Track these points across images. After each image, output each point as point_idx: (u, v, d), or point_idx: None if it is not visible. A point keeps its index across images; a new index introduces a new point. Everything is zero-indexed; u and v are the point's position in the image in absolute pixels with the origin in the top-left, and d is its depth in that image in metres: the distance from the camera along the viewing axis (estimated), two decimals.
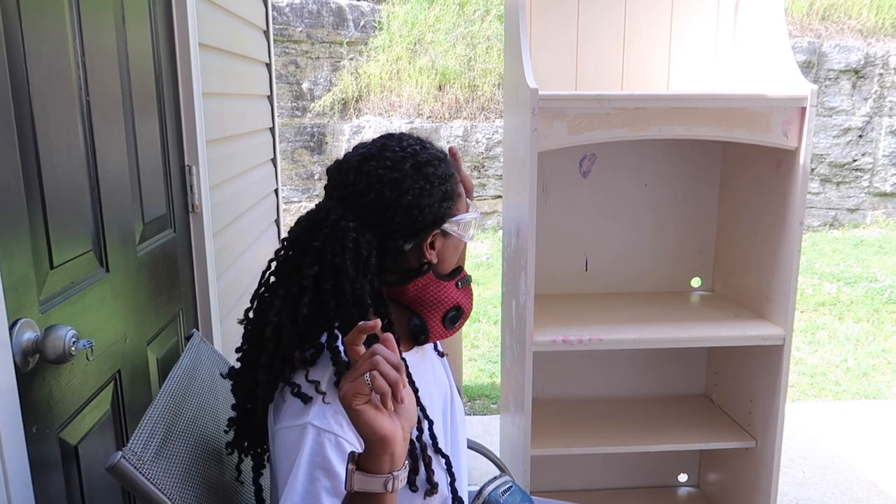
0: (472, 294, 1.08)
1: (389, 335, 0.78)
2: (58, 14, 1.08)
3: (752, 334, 1.80)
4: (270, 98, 2.66)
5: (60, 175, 1.07)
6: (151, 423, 0.97)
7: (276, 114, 2.71)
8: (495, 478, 1.26)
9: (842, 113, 6.88)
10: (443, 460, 1.01)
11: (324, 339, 0.91)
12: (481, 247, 6.31)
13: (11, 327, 0.93)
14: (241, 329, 0.98)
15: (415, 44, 7.18)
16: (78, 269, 1.12)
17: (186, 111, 1.66)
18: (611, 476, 2.32)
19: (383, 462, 0.75)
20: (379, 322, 0.76)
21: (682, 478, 2.34)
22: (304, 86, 6.97)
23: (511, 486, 1.24)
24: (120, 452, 0.87)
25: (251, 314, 0.96)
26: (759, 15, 1.92)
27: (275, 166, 2.74)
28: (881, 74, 6.86)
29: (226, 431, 1.02)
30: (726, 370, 2.12)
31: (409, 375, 0.95)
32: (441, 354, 1.17)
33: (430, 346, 1.12)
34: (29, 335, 0.96)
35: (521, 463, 1.85)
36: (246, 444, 1.01)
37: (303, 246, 0.92)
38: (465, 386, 3.48)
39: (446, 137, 6.78)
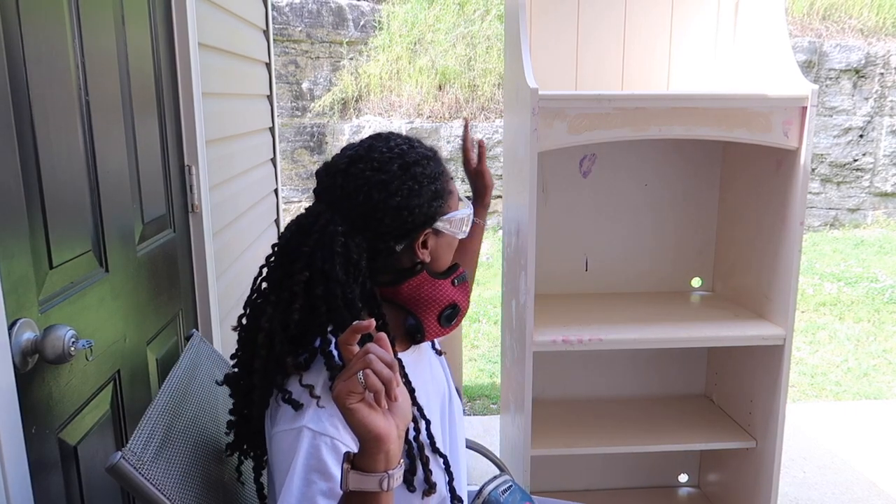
0: (469, 291, 1.07)
1: (383, 334, 0.78)
2: (57, 14, 1.08)
3: (752, 334, 1.80)
4: (270, 98, 2.66)
5: (60, 175, 1.07)
6: (151, 424, 0.97)
7: (275, 114, 2.71)
8: (495, 477, 1.26)
9: (842, 113, 6.87)
10: (440, 460, 1.00)
11: (317, 343, 0.91)
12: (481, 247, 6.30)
13: (11, 327, 0.93)
14: None
15: (415, 44, 7.18)
16: (77, 269, 1.12)
17: (186, 111, 1.66)
18: (611, 476, 2.32)
19: (378, 461, 0.75)
20: (373, 322, 0.76)
21: (683, 478, 2.34)
22: (304, 86, 6.97)
23: (511, 486, 1.24)
24: (119, 453, 0.87)
25: (244, 320, 0.96)
26: (759, 15, 1.92)
27: (275, 166, 2.74)
28: (882, 74, 6.85)
29: (226, 433, 1.02)
30: (726, 370, 2.12)
31: (405, 375, 0.95)
32: (439, 353, 1.17)
33: (427, 345, 1.12)
34: (28, 335, 0.96)
35: (521, 463, 1.85)
36: (245, 447, 1.01)
37: (293, 252, 0.92)
38: (465, 386, 3.48)
39: (446, 137, 6.78)
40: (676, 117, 1.65)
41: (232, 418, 1.00)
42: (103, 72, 1.23)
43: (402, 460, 0.79)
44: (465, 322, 3.81)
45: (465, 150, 1.47)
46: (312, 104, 6.96)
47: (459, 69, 7.03)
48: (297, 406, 0.87)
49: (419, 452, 0.95)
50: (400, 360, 0.94)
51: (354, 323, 0.76)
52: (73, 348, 1.00)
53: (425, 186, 0.96)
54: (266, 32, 2.61)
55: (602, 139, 1.65)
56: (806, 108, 1.66)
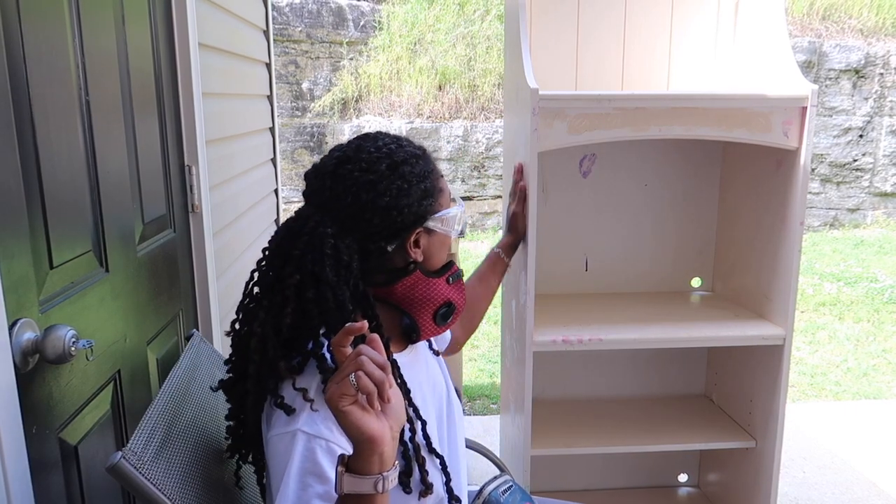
0: (464, 289, 1.07)
1: (375, 336, 0.78)
2: (57, 14, 1.08)
3: (752, 334, 1.80)
4: (270, 98, 2.66)
5: (60, 175, 1.07)
6: (151, 423, 0.97)
7: (275, 114, 2.71)
8: (495, 477, 1.26)
9: (842, 113, 6.88)
10: (437, 460, 1.00)
11: (310, 346, 0.91)
12: (481, 247, 6.31)
13: (11, 327, 0.93)
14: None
15: (415, 44, 7.18)
16: (78, 269, 1.12)
17: (186, 111, 1.66)
18: (611, 476, 2.32)
19: (372, 463, 0.75)
20: (365, 323, 0.76)
21: (682, 478, 2.34)
22: (304, 86, 6.97)
23: (511, 486, 1.24)
24: (120, 452, 0.87)
25: (237, 325, 0.95)
26: (759, 15, 1.92)
27: (275, 166, 2.74)
28: (882, 74, 6.86)
29: (226, 438, 1.02)
30: (726, 370, 2.12)
31: (399, 376, 0.95)
32: (436, 353, 1.16)
33: (423, 345, 1.12)
34: (29, 335, 0.96)
35: (521, 463, 1.85)
36: (244, 451, 1.01)
37: (283, 255, 0.91)
38: (465, 386, 3.48)
39: (446, 137, 6.78)
40: (676, 117, 1.65)
41: (229, 423, 1.00)
42: (103, 71, 1.23)
43: (397, 462, 0.79)
44: None
45: (514, 192, 1.67)
46: (312, 104, 6.96)
47: (459, 69, 7.04)
48: (290, 411, 0.86)
49: (415, 453, 0.94)
50: (395, 361, 0.93)
51: (347, 325, 0.76)
52: (73, 348, 1.00)
53: (414, 185, 0.95)
54: (266, 32, 2.61)
55: (602, 139, 1.65)
56: (806, 108, 1.66)
